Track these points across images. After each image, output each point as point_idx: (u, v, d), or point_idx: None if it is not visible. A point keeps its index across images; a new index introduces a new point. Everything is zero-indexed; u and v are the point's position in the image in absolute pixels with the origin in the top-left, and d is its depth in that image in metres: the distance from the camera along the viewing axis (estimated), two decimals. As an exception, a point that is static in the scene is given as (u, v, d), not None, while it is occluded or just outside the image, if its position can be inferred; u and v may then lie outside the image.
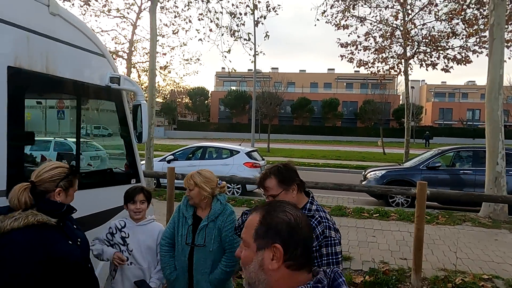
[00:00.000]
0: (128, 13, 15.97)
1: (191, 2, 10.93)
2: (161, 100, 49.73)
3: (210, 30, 11.32)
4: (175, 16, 11.58)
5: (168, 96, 51.97)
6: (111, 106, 3.12)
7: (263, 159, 10.56)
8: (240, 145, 11.43)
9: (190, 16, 24.88)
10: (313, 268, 1.04)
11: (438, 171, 8.63)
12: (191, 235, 2.36)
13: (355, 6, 14.63)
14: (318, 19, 13.38)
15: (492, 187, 6.97)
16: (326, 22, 15.28)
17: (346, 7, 14.52)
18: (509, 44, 10.95)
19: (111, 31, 23.12)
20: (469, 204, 7.97)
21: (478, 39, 13.61)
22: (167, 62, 19.38)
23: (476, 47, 13.95)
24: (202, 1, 11.10)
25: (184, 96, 59.13)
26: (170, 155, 10.43)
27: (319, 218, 1.82)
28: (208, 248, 2.29)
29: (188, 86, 55.72)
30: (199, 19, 11.35)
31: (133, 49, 18.06)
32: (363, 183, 9.20)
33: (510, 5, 8.19)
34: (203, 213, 2.37)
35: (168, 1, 11.66)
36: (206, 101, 59.96)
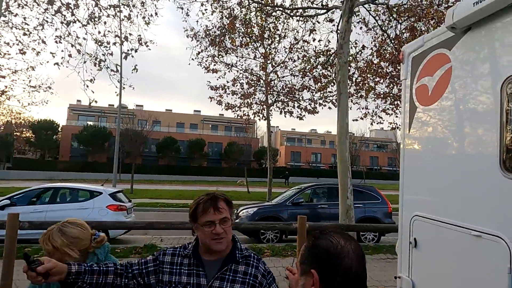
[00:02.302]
0: (-49, 23, 12.71)
1: (47, 22, 9.49)
2: (-9, 133, 40.59)
3: (70, 55, 9.97)
4: (24, 34, 9.81)
5: (3, 128, 42.94)
6: None
7: (130, 201, 9.52)
8: (102, 185, 10.05)
9: (45, 36, 21.65)
10: None
11: (301, 206, 9.51)
12: None
13: (223, 54, 15.65)
14: (193, 59, 13.62)
15: (344, 218, 8.02)
16: (197, 64, 15.77)
17: (217, 53, 15.38)
18: (353, 98, 13.50)
19: None
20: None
21: (322, 94, 16.38)
22: (5, 87, 16.04)
23: (321, 101, 16.74)
24: (61, 23, 9.86)
25: (25, 130, 49.81)
26: (5, 199, 8.25)
27: (257, 256, 1.70)
28: None
29: (32, 118, 47.54)
30: (56, 41, 9.94)
31: (-45, 67, 14.31)
32: (236, 221, 9.28)
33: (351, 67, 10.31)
34: None
35: (15, 16, 9.81)
36: (54, 136, 51.92)
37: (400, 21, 10.69)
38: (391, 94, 17.49)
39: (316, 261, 1.01)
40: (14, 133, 47.40)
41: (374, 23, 10.95)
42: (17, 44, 11.26)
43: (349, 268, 0.98)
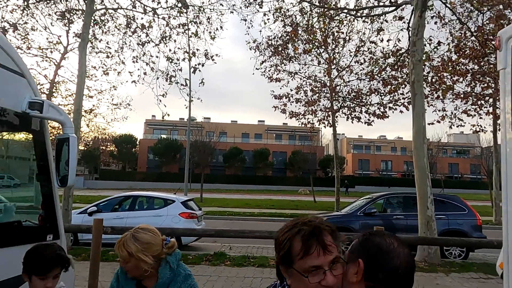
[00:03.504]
0: (51, 52, 14.74)
1: (125, 44, 10.45)
2: (82, 148, 45.89)
3: (145, 73, 10.82)
4: (107, 57, 10.93)
5: (91, 143, 48.31)
6: (26, 138, 2.45)
7: (200, 209, 9.85)
8: (175, 194, 10.59)
9: (124, 58, 23.97)
10: None
11: (374, 217, 8.89)
12: None
13: (286, 62, 15.59)
14: (257, 68, 13.82)
15: (425, 230, 7.29)
16: (261, 74, 16.00)
17: (279, 62, 15.41)
18: (427, 99, 12.45)
19: (29, 69, 20.92)
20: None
21: (392, 98, 15.35)
22: (93, 106, 18.03)
23: (391, 104, 15.69)
24: (138, 44, 10.77)
25: (109, 144, 55.49)
26: (93, 206, 9.13)
27: None
28: None
29: (114, 133, 52.73)
30: (133, 61, 10.88)
31: (54, 90, 16.52)
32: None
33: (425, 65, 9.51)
34: (149, 281, 1.79)
35: (100, 42, 11.00)
36: (133, 149, 56.90)
37: (483, 11, 9.59)
38: (473, 94, 15.75)
39: (365, 252, 1.05)
40: (101, 147, 53.05)
41: (452, 15, 9.97)
42: (102, 67, 12.61)
43: (396, 268, 1.01)
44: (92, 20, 9.62)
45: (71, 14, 10.44)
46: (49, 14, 11.01)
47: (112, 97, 17.76)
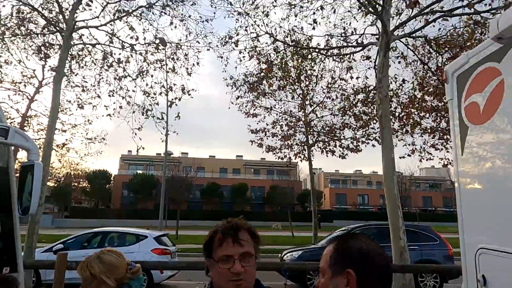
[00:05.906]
0: (25, 86, 14.54)
1: (102, 78, 10.51)
2: (53, 184, 43.86)
3: (121, 107, 10.80)
4: (83, 91, 10.90)
5: (63, 179, 46.45)
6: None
7: (174, 245, 9.54)
8: (147, 229, 10.25)
9: (100, 92, 23.78)
10: None
11: (349, 249, 8.89)
12: None
13: (262, 98, 16.04)
14: (232, 102, 14.15)
15: (398, 261, 7.33)
16: (237, 110, 16.32)
17: (255, 97, 15.85)
18: (397, 134, 13.04)
19: (1, 103, 20.29)
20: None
21: (364, 132, 15.95)
22: (66, 140, 17.60)
23: (363, 138, 16.26)
24: (115, 78, 10.85)
25: (81, 180, 53.46)
26: (59, 243, 8.65)
27: None
28: None
29: (88, 168, 51.10)
30: (109, 95, 10.89)
31: (25, 124, 16.09)
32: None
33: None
34: None
35: (76, 76, 11.01)
36: (107, 186, 55.00)
37: (441, 53, 10.42)
38: (439, 129, 16.63)
39: (350, 261, 1.03)
40: (73, 184, 51.00)
41: (413, 56, 10.77)
42: (76, 102, 12.52)
43: (384, 266, 1.04)
44: (69, 55, 9.69)
45: (48, 48, 10.48)
46: (25, 48, 11.01)
47: (86, 131, 17.40)
